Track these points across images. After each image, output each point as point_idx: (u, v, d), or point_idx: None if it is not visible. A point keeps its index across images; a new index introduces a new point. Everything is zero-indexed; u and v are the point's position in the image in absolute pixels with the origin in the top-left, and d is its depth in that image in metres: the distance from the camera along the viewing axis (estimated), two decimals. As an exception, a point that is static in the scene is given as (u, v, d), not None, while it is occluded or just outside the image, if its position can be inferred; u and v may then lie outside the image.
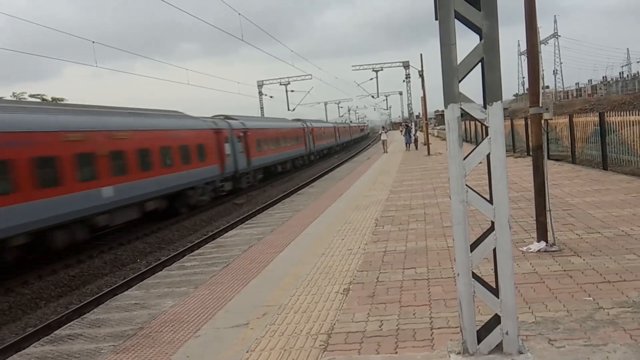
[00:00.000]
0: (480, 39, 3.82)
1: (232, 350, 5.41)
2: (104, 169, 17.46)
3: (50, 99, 47.65)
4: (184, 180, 22.87)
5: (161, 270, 11.77)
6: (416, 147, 41.15)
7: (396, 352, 4.84)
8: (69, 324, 8.11)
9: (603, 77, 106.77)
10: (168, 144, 22.04)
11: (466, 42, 4.07)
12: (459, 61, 3.84)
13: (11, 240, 13.72)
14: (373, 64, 58.66)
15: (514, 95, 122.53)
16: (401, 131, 59.42)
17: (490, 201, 3.87)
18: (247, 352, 5.29)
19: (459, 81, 3.88)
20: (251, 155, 31.66)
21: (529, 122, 17.60)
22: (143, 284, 9.99)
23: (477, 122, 4.09)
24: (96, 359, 6.02)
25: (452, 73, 3.85)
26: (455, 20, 3.84)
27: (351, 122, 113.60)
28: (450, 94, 3.86)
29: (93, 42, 23.69)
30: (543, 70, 9.12)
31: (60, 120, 16.34)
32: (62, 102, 25.91)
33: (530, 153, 9.45)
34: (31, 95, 47.07)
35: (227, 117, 31.44)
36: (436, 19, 3.91)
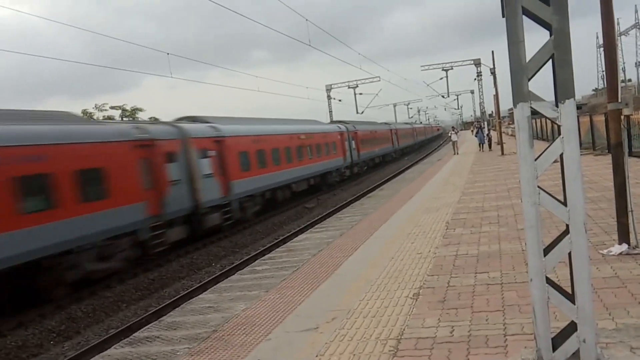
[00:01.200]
0: (550, 35, 3.67)
1: (302, 354, 5.46)
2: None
3: (130, 110, 49.73)
4: (386, 151, 53.22)
5: (234, 274, 12.04)
6: (490, 147, 40.03)
7: (468, 359, 4.73)
8: (147, 327, 8.45)
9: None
10: (389, 135, 55.01)
11: (536, 38, 3.93)
12: (528, 58, 3.72)
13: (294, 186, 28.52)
14: (443, 63, 57.43)
15: (593, 90, 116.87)
16: (472, 131, 57.97)
17: (565, 203, 3.71)
18: (316, 356, 5.33)
19: (529, 79, 3.75)
20: (399, 142, 61.20)
21: (608, 118, 16.77)
22: (217, 287, 10.25)
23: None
24: (172, 360, 6.23)
25: (521, 71, 3.73)
26: (523, 16, 3.71)
27: (428, 123, 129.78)
28: (520, 93, 3.74)
29: (168, 54, 24.65)
30: (624, 63, 8.69)
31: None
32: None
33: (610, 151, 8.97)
34: (112, 107, 49.21)
35: (386, 123, 60.83)
36: (503, 17, 3.80)
